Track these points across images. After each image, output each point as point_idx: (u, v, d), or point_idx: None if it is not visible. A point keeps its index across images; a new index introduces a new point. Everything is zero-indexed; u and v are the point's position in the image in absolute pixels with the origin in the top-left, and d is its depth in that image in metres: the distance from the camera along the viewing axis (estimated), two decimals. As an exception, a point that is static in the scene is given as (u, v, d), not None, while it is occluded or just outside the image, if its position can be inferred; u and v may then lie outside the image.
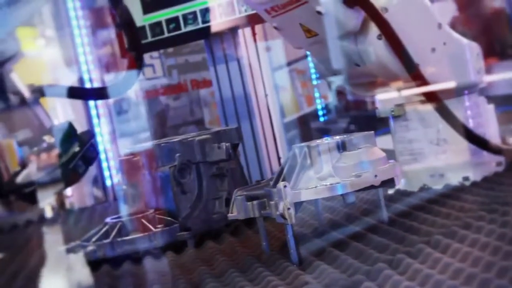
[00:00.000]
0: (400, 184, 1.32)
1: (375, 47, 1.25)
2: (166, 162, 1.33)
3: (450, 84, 1.28)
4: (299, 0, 1.23)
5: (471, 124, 1.30)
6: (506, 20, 2.18)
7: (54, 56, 2.95)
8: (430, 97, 1.26)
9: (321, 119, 2.62)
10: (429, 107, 1.30)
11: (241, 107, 1.86)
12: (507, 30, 2.19)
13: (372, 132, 1.10)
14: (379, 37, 1.23)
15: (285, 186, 1.00)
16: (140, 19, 1.83)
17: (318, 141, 1.09)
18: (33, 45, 3.31)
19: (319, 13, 1.22)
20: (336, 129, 2.79)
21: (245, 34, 1.84)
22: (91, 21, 2.94)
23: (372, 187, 1.05)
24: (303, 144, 1.09)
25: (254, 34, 1.82)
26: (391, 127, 1.38)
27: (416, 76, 1.24)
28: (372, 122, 1.76)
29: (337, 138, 1.08)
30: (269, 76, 2.20)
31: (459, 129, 1.26)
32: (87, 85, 2.40)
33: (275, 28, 1.33)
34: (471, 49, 1.31)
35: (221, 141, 1.35)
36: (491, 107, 1.37)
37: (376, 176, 1.02)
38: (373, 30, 1.24)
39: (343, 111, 2.83)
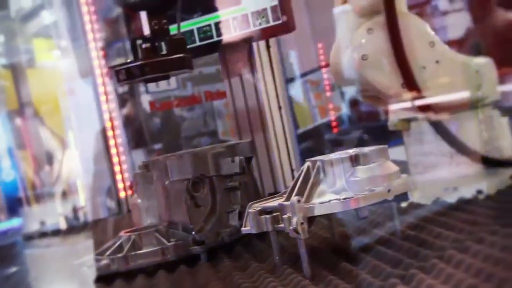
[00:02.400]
0: (414, 197, 1.32)
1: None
2: (180, 176, 1.34)
3: (449, 99, 1.29)
4: None
5: (484, 137, 1.30)
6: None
7: (70, 67, 2.98)
8: (427, 111, 1.28)
9: (335, 130, 2.63)
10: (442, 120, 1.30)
11: (255, 119, 1.87)
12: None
13: (386, 146, 1.10)
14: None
15: (298, 201, 1.01)
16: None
17: (332, 155, 1.09)
18: (49, 56, 3.35)
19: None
20: (350, 140, 2.79)
21: (259, 46, 1.84)
22: (107, 33, 2.97)
23: (385, 201, 1.05)
24: (316, 158, 1.09)
25: (268, 47, 1.83)
26: (404, 139, 1.38)
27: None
28: (386, 133, 1.76)
29: (351, 151, 1.08)
30: (283, 88, 2.21)
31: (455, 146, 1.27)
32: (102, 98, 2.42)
33: None
34: (467, 67, 1.31)
35: (234, 154, 1.36)
36: (504, 120, 1.37)
37: (389, 190, 1.02)
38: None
39: (357, 122, 2.84)
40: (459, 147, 1.28)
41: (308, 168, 1.08)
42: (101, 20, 2.76)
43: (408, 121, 1.33)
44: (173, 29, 1.53)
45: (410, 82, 1.26)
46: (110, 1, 2.88)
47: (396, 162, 1.47)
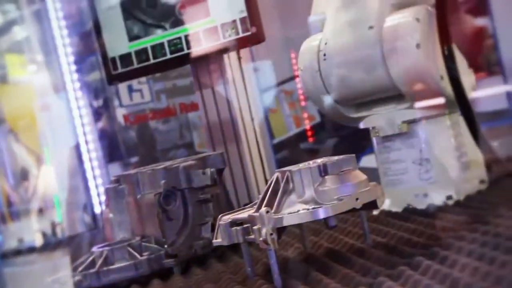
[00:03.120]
0: (385, 205, 1.33)
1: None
2: (151, 189, 1.33)
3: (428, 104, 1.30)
4: None
5: (453, 144, 1.31)
6: (490, 37, 2.20)
7: (43, 82, 2.96)
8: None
9: (310, 139, 2.63)
10: (412, 127, 1.31)
11: (228, 131, 1.87)
12: (491, 47, 2.21)
13: (353, 155, 1.10)
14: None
15: (267, 212, 1.01)
16: (126, 46, 1.84)
17: (301, 165, 1.10)
18: (22, 71, 3.33)
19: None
20: (325, 148, 2.81)
21: (230, 58, 1.85)
22: (78, 47, 2.96)
23: (354, 209, 1.05)
24: (285, 168, 1.10)
25: (239, 58, 1.83)
26: (374, 147, 1.39)
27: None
28: (362, 140, 1.78)
29: (319, 161, 1.08)
30: (256, 99, 2.22)
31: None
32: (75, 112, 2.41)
33: None
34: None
35: (206, 166, 1.36)
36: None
37: (357, 199, 1.03)
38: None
39: (332, 130, 2.85)
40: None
41: (277, 178, 1.09)
42: (73, 34, 2.76)
43: (409, 123, 1.31)
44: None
45: (452, 74, 1.23)
46: (82, 15, 2.88)
47: (370, 169, 1.48)
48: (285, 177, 1.07)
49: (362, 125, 1.38)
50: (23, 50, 3.11)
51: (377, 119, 1.34)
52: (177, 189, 1.33)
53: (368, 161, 2.10)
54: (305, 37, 1.43)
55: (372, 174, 1.44)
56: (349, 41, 1.31)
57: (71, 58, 2.40)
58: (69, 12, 2.92)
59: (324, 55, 1.33)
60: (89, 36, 2.85)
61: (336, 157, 1.09)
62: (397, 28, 1.25)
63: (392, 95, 1.30)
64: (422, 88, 1.26)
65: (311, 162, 1.11)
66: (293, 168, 1.08)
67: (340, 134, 2.83)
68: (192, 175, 1.35)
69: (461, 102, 1.20)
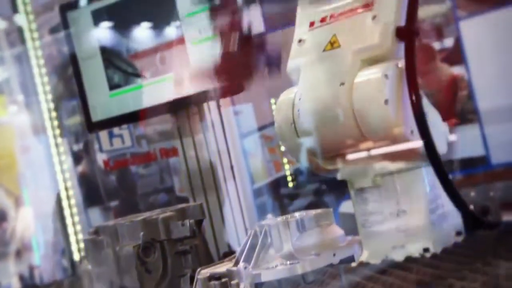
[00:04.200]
0: (363, 256, 1.34)
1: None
2: (130, 241, 1.33)
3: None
4: (366, 6, 1.31)
5: (429, 195, 1.33)
6: (465, 86, 2.25)
7: (23, 124, 2.96)
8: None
9: (290, 184, 2.65)
10: (388, 179, 1.33)
11: (208, 178, 1.88)
12: (467, 96, 2.25)
13: (331, 209, 1.12)
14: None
15: (245, 267, 1.01)
16: (107, 94, 1.85)
17: (279, 219, 1.11)
18: (2, 112, 3.32)
19: (374, 17, 1.29)
20: (306, 192, 2.81)
21: (210, 106, 1.87)
22: (59, 91, 2.97)
23: (332, 264, 1.06)
24: (263, 222, 1.11)
25: (219, 106, 1.85)
26: (352, 199, 1.40)
27: None
28: (342, 185, 1.78)
29: (297, 215, 1.10)
30: (236, 145, 2.23)
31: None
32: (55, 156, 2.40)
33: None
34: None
35: (185, 218, 1.36)
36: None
37: (335, 254, 1.04)
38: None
39: (313, 174, 2.86)
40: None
41: (255, 232, 1.09)
42: (53, 77, 2.77)
43: (382, 175, 1.33)
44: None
45: (422, 128, 1.26)
46: (63, 58, 2.89)
47: (350, 215, 1.49)
48: (263, 231, 1.08)
49: (339, 177, 1.40)
50: (3, 91, 3.11)
51: (352, 172, 1.36)
52: (156, 241, 1.33)
53: (347, 206, 2.11)
54: (285, 85, 1.46)
55: (351, 220, 1.46)
56: (321, 97, 1.33)
57: (51, 101, 2.39)
58: (50, 55, 2.94)
59: (298, 110, 1.36)
60: (70, 80, 2.87)
61: (313, 211, 1.11)
62: (366, 84, 1.28)
63: (365, 148, 1.32)
64: (392, 143, 1.28)
65: (289, 215, 1.12)
66: (271, 222, 1.09)
67: (319, 179, 2.84)
68: (171, 227, 1.35)
69: (431, 156, 1.23)
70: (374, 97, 1.26)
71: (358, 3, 1.35)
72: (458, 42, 2.24)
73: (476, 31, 2.20)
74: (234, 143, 2.08)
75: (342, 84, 1.30)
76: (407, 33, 1.28)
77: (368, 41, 1.30)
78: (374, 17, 1.31)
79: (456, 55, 2.24)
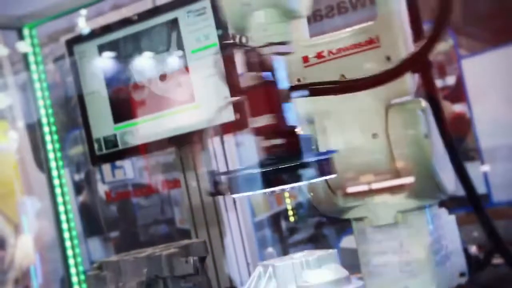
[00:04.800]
0: (367, 297, 1.34)
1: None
2: (134, 277, 1.33)
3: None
4: (371, 42, 1.27)
5: (433, 236, 1.33)
6: (467, 124, 2.26)
7: (24, 152, 2.97)
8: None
9: (291, 218, 2.65)
10: (392, 219, 1.33)
11: (210, 211, 1.88)
12: (469, 134, 2.27)
13: (335, 250, 1.12)
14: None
15: (250, 309, 1.02)
16: (111, 127, 1.86)
17: (283, 259, 1.12)
18: (4, 139, 3.33)
19: (388, 58, 1.25)
20: (307, 226, 2.81)
21: (213, 141, 1.88)
22: (63, 121, 2.99)
23: (336, 305, 1.06)
24: (267, 262, 1.11)
25: (222, 142, 1.86)
26: (355, 238, 1.40)
27: None
28: (342, 220, 1.78)
29: (301, 255, 1.10)
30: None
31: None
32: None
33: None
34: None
35: (188, 254, 1.37)
36: (452, 218, 1.41)
37: (339, 296, 1.04)
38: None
39: (313, 209, 2.86)
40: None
41: (259, 273, 1.10)
42: (57, 107, 2.79)
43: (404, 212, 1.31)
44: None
45: (457, 164, 1.26)
46: (68, 89, 2.91)
47: (351, 250, 1.49)
48: (267, 272, 1.09)
49: (349, 216, 1.39)
50: (6, 117, 3.13)
51: (372, 208, 1.34)
52: (159, 278, 1.33)
53: (349, 241, 2.11)
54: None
55: (353, 255, 1.46)
56: (355, 151, 1.30)
57: (54, 131, 2.39)
58: (53, 84, 2.96)
59: None
60: (73, 110, 2.89)
61: (317, 252, 1.12)
62: (405, 120, 1.27)
63: (388, 186, 1.31)
64: (424, 177, 1.27)
65: (293, 255, 1.13)
66: (275, 263, 1.09)
67: (320, 213, 2.84)
68: (175, 264, 1.35)
69: (469, 194, 1.24)
70: (413, 134, 1.25)
71: (359, 38, 1.30)
72: (460, 80, 2.27)
73: (477, 70, 2.22)
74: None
75: (375, 135, 1.29)
76: (423, 66, 1.24)
77: (390, 85, 1.23)
78: (388, 58, 1.27)
79: (458, 93, 2.26)
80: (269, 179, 1.03)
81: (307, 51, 1.35)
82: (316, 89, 1.22)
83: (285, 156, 1.04)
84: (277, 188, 1.05)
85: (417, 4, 1.26)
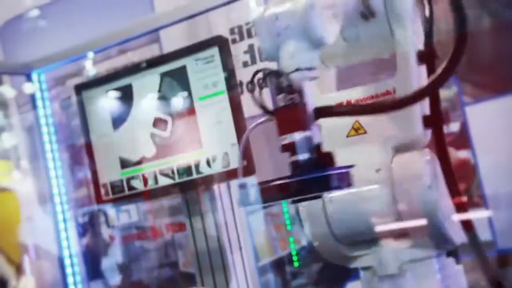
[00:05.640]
0: None
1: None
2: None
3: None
4: (387, 94, 1.32)
5: (441, 286, 1.33)
6: (472, 170, 2.26)
7: (28, 192, 2.97)
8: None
9: (296, 263, 2.64)
10: (397, 269, 1.33)
11: (216, 257, 1.88)
12: (473, 179, 2.27)
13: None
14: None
15: None
16: (118, 173, 1.87)
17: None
18: (7, 179, 3.34)
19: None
20: (311, 271, 2.80)
21: (220, 187, 1.88)
22: (69, 161, 2.99)
23: None
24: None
25: (229, 189, 1.87)
26: (362, 287, 1.40)
27: None
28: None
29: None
30: (245, 227, 2.24)
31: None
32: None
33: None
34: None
35: (195, 303, 1.36)
36: (459, 268, 1.40)
37: None
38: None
39: (318, 254, 2.85)
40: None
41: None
42: (64, 148, 2.80)
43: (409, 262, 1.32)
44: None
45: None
46: (75, 129, 2.92)
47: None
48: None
49: (357, 264, 1.39)
50: (10, 157, 3.13)
51: (377, 257, 1.35)
52: (165, 327, 1.33)
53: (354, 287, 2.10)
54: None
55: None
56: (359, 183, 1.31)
57: (60, 171, 2.40)
58: (60, 125, 2.97)
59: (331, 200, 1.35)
60: (80, 152, 2.90)
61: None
62: (408, 170, 1.28)
63: (394, 234, 1.32)
64: (429, 229, 1.28)
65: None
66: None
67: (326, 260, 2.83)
68: (181, 312, 1.35)
69: (476, 246, 1.25)
70: (418, 182, 1.27)
71: (377, 90, 1.35)
72: (464, 127, 2.28)
73: (482, 117, 2.24)
74: (241, 219, 2.09)
75: (379, 170, 1.30)
76: (434, 121, 1.29)
77: (400, 130, 1.30)
78: None
79: (462, 140, 2.27)
80: (298, 188, 1.10)
81: (329, 101, 1.39)
82: (340, 111, 1.28)
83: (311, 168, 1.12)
84: (306, 197, 1.14)
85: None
